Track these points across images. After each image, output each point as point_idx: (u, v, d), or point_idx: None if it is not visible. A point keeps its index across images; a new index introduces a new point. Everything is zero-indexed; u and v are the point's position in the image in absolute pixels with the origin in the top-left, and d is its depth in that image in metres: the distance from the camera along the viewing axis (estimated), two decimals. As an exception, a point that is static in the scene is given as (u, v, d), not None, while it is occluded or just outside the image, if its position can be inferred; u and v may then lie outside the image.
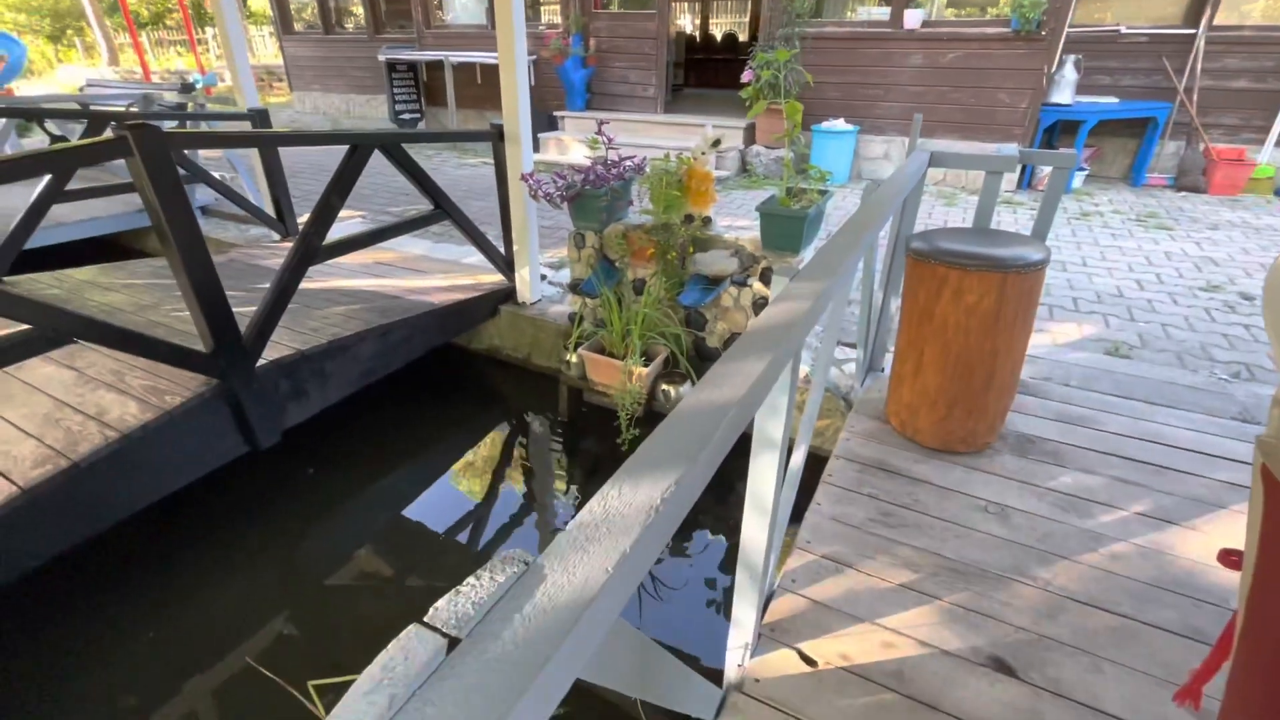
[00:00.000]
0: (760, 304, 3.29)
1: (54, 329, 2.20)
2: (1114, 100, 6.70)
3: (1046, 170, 6.85)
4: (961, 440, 2.49)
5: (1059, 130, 6.97)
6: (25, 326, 2.18)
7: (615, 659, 0.78)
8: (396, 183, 7.75)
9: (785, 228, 3.07)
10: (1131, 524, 2.14)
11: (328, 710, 2.11)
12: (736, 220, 5.52)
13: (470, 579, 0.51)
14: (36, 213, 3.86)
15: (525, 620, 0.47)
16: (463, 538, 3.14)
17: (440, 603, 0.50)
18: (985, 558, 2.01)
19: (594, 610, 0.49)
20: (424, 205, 3.79)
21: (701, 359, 3.55)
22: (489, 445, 3.83)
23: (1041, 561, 2.00)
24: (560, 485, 3.46)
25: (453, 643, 0.46)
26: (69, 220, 5.31)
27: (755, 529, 1.45)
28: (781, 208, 3.09)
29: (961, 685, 1.63)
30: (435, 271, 4.55)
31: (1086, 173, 7.10)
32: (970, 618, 1.81)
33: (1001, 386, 2.44)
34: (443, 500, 3.39)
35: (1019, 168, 6.08)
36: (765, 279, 3.23)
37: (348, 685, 1.52)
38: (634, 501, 0.58)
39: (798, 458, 2.02)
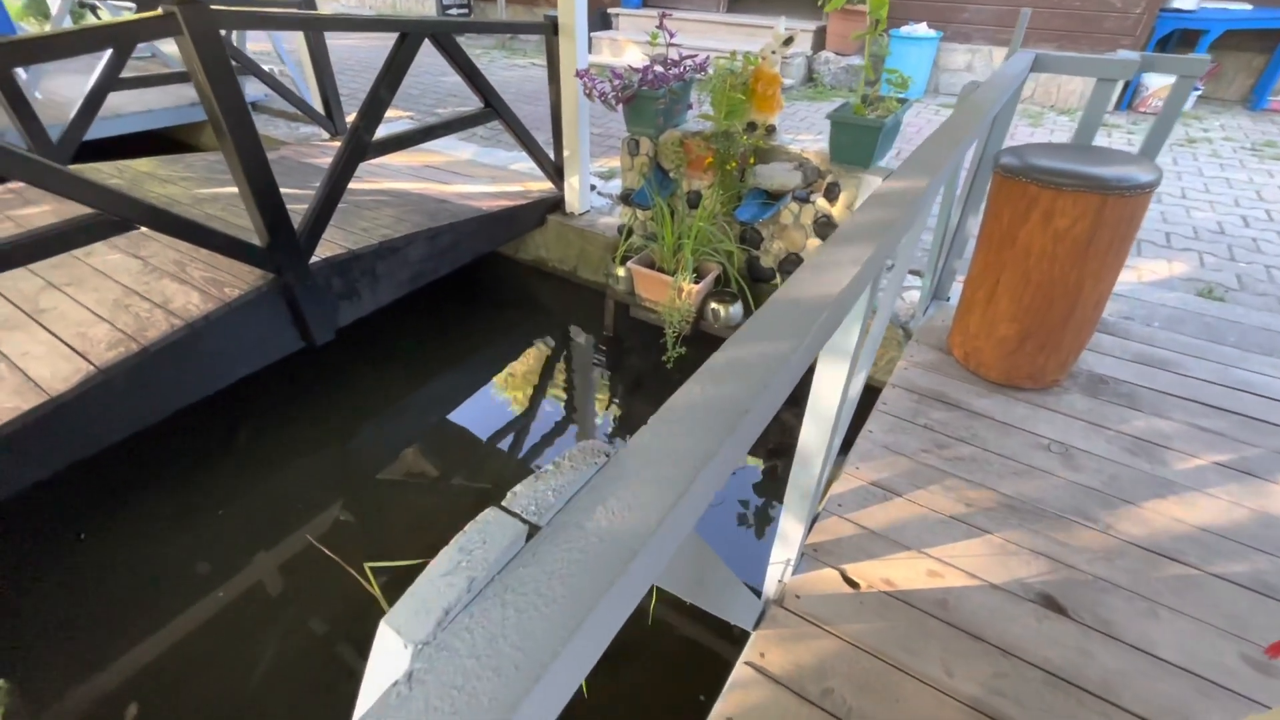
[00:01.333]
0: (822, 222, 3.11)
1: (118, 214, 2.22)
2: (1247, 7, 5.84)
3: (1151, 89, 6.13)
4: (1029, 376, 2.36)
5: (1175, 42, 6.17)
6: (91, 211, 2.21)
7: (682, 562, 0.76)
8: (444, 83, 7.50)
9: (858, 138, 2.83)
10: (1208, 473, 2.02)
11: (382, 590, 2.25)
12: (799, 134, 5.17)
13: (549, 466, 0.48)
14: (95, 99, 3.86)
15: (609, 514, 0.43)
16: (504, 445, 3.21)
17: (519, 487, 0.46)
18: (1044, 497, 1.94)
19: (677, 513, 0.45)
20: (472, 107, 3.64)
21: (754, 279, 3.42)
22: (533, 356, 3.85)
23: (1104, 504, 1.91)
24: (602, 400, 3.47)
25: (532, 530, 0.43)
26: (127, 111, 5.34)
27: (813, 443, 1.40)
28: (855, 116, 2.84)
29: (1008, 618, 1.60)
30: (483, 177, 4.44)
31: (1199, 93, 6.33)
32: (1022, 554, 1.77)
33: (1081, 321, 2.26)
34: (486, 407, 3.45)
35: (1126, 81, 5.44)
36: (831, 195, 3.02)
37: (402, 569, 1.59)
38: (722, 398, 0.52)
39: (856, 383, 1.94)
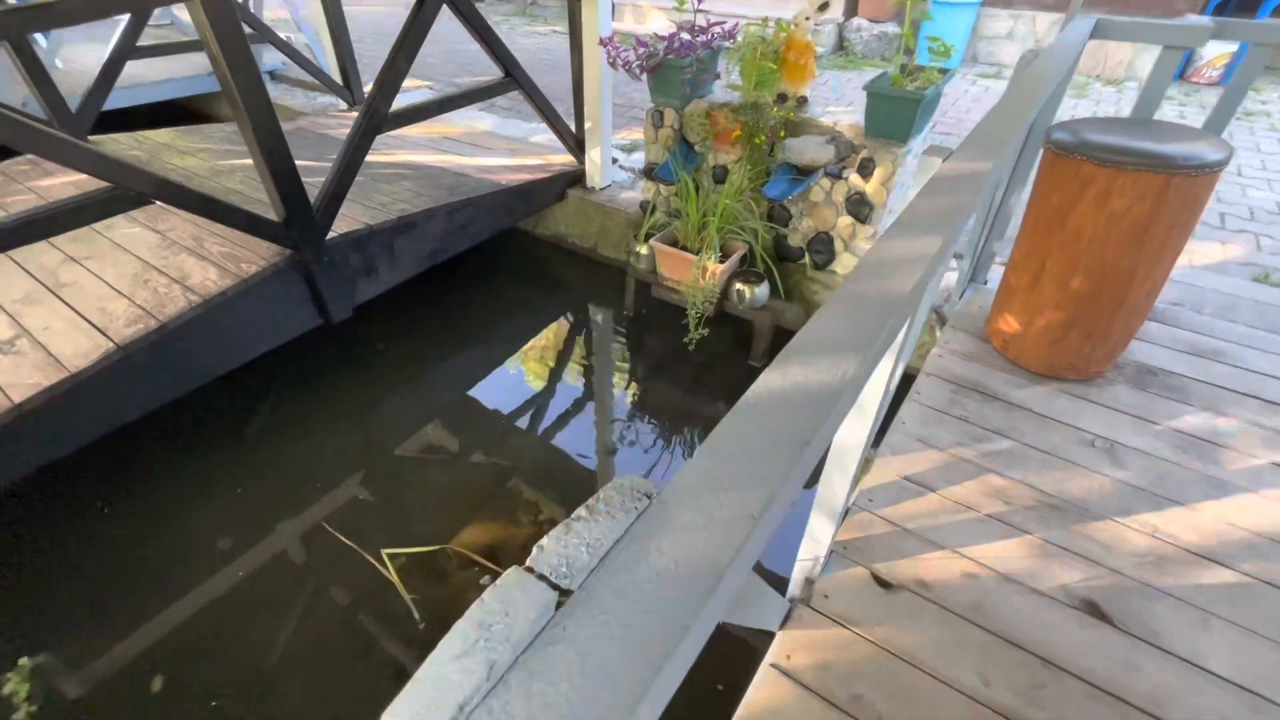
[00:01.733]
0: (855, 199, 2.97)
1: (135, 189, 2.18)
2: (1317, -33, 5.44)
3: (1206, 58, 5.78)
4: (1072, 366, 2.24)
5: (1234, 7, 5.79)
6: (109, 185, 2.17)
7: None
8: (464, 52, 7.33)
9: (896, 110, 2.67)
10: (1265, 475, 1.90)
11: (400, 574, 2.24)
12: (830, 106, 4.96)
13: (581, 511, 0.41)
14: (113, 68, 3.81)
15: (654, 573, 0.36)
16: (522, 423, 3.18)
17: (546, 541, 0.40)
18: (1087, 495, 1.84)
19: (734, 569, 0.38)
20: (492, 77, 3.52)
21: (780, 259, 3.30)
22: (552, 335, 3.79)
23: (1152, 505, 1.81)
24: (621, 380, 3.41)
25: (563, 594, 0.36)
26: (146, 81, 5.29)
27: (851, 439, 1.33)
28: (893, 87, 2.68)
29: (1048, 625, 1.53)
30: (502, 149, 4.33)
31: (1258, 62, 5.95)
32: (1064, 557, 1.68)
33: (1131, 310, 2.13)
34: (504, 385, 3.41)
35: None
36: (865, 171, 2.88)
37: (419, 556, 1.54)
38: (779, 428, 0.45)
39: (897, 373, 1.85)
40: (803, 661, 1.46)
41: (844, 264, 3.15)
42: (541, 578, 0.38)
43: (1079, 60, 2.29)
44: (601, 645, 0.33)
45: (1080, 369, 2.24)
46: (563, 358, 3.63)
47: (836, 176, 2.97)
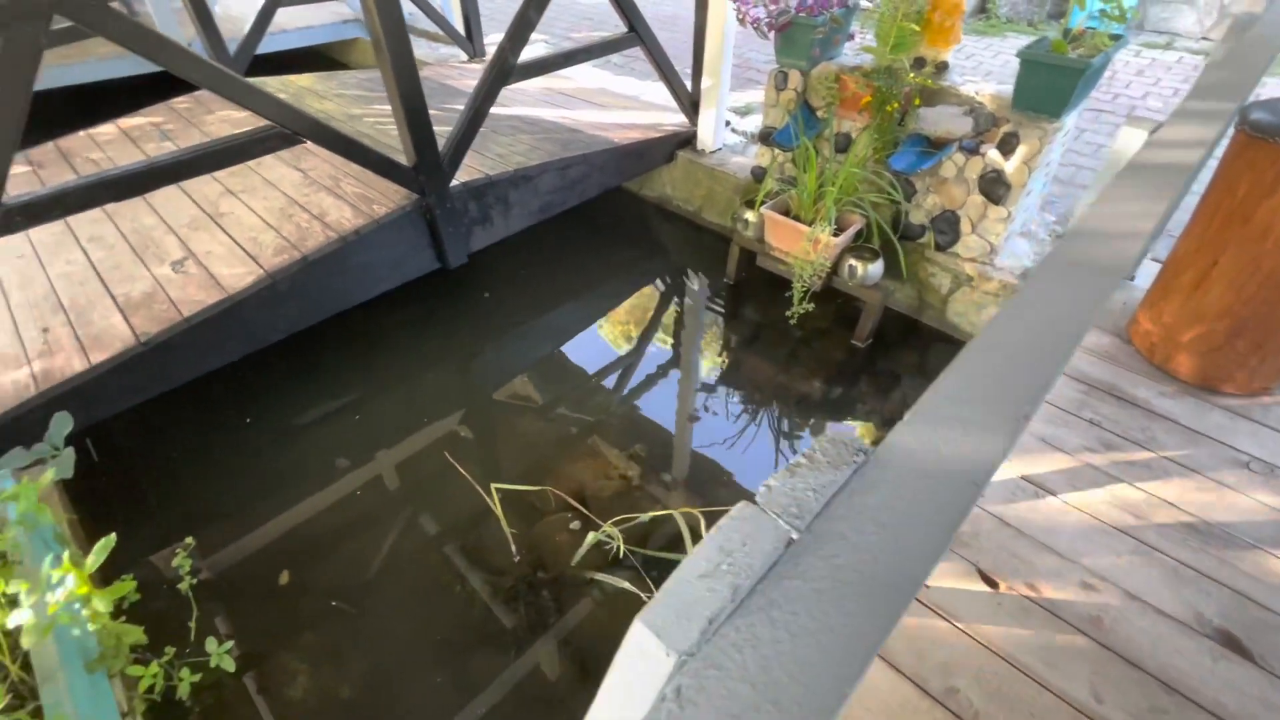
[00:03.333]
0: (991, 178, 2.75)
1: (292, 128, 2.35)
2: None
3: None
4: (1232, 378, 2.01)
5: None
6: (267, 123, 2.35)
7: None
8: (579, 6, 7.31)
9: (1054, 81, 2.43)
10: None
11: (503, 509, 2.38)
12: (966, 75, 4.59)
13: (801, 459, 0.42)
14: (266, 14, 4.09)
15: (879, 529, 0.37)
16: (609, 382, 3.24)
17: (773, 482, 0.41)
18: (1236, 521, 1.67)
19: (949, 525, 0.38)
20: (602, 35, 3.49)
21: (899, 236, 3.13)
22: (648, 297, 3.81)
23: (1315, 541, 1.63)
24: (713, 349, 3.39)
25: (793, 535, 0.38)
26: (290, 28, 5.64)
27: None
28: (1054, 54, 2.43)
29: (1176, 651, 1.42)
30: (614, 106, 4.32)
31: None
32: (1201, 583, 1.55)
33: (1317, 322, 1.88)
34: (596, 343, 3.48)
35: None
36: (1007, 147, 2.66)
37: (516, 493, 1.63)
38: (1000, 388, 0.43)
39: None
40: (897, 645, 1.44)
41: (968, 246, 2.95)
42: (774, 515, 0.39)
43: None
44: (836, 588, 0.34)
45: (1242, 383, 2.01)
46: (656, 321, 3.65)
47: (972, 151, 2.76)
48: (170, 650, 1.87)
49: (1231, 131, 1.83)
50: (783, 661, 0.31)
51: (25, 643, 1.40)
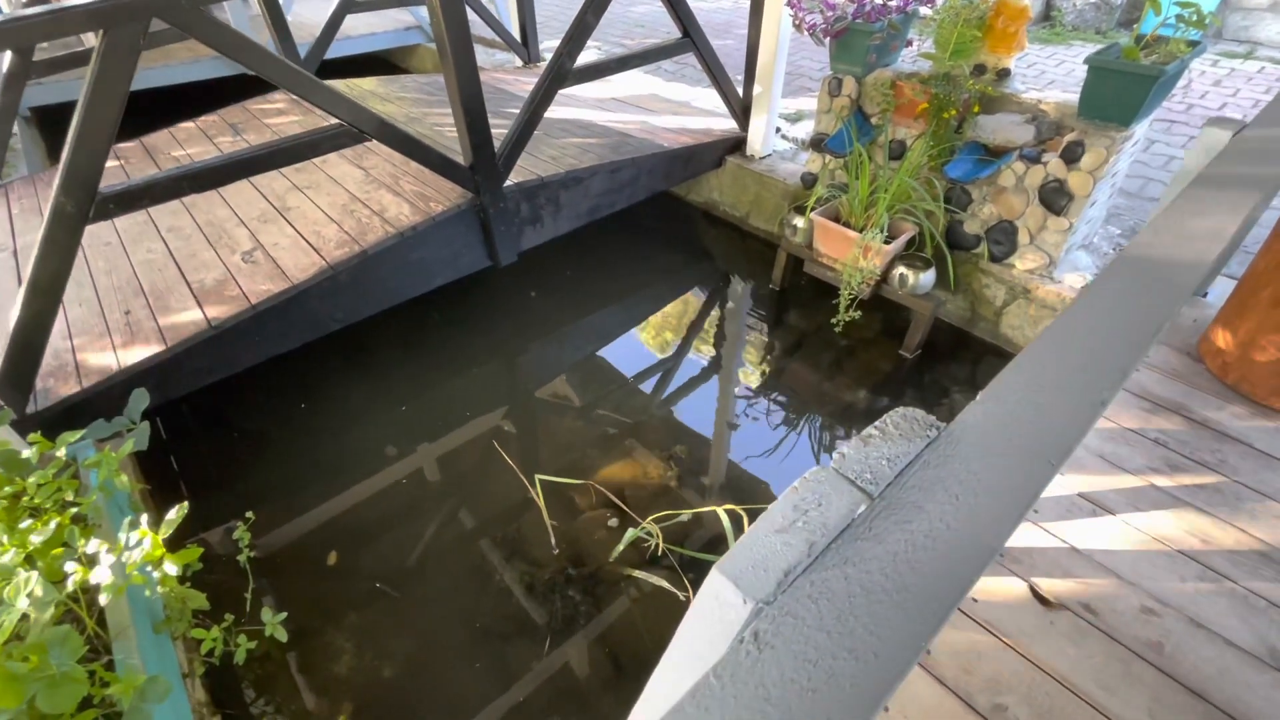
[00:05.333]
0: (1052, 188, 2.67)
1: (360, 127, 2.46)
2: None
3: None
4: (1313, 403, 1.90)
5: None
6: (335, 122, 2.47)
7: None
8: (633, 13, 7.41)
9: (1125, 89, 2.35)
10: None
11: (545, 504, 2.42)
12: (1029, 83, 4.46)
13: (873, 429, 0.43)
14: (336, 20, 4.28)
15: (953, 500, 0.37)
16: (649, 385, 3.25)
17: (848, 449, 0.42)
18: (1315, 552, 1.58)
19: (1023, 497, 0.38)
20: (654, 41, 3.53)
21: (951, 246, 3.06)
22: (692, 301, 3.82)
23: (1406, 578, 1.52)
24: (756, 355, 3.37)
25: (869, 500, 0.38)
26: (355, 34, 5.89)
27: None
28: (1126, 61, 2.35)
29: (1242, 683, 1.35)
30: (665, 111, 4.36)
31: None
32: (1273, 613, 1.46)
33: None
34: (639, 345, 3.50)
35: None
36: (1071, 157, 2.57)
37: (558, 486, 1.66)
38: (1069, 386, 0.43)
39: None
40: (942, 658, 1.41)
41: (1025, 258, 2.87)
42: (849, 480, 0.40)
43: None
44: (911, 551, 0.35)
45: (1324, 407, 1.89)
46: (699, 326, 3.65)
47: (1033, 160, 2.69)
48: (229, 618, 1.97)
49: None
50: (858, 615, 0.32)
51: (103, 598, 1.49)
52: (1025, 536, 1.64)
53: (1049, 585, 1.53)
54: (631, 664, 2.05)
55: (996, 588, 1.54)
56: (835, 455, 0.42)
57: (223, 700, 1.89)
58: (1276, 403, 1.94)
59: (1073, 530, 1.65)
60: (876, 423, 0.44)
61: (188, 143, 3.87)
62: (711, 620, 0.34)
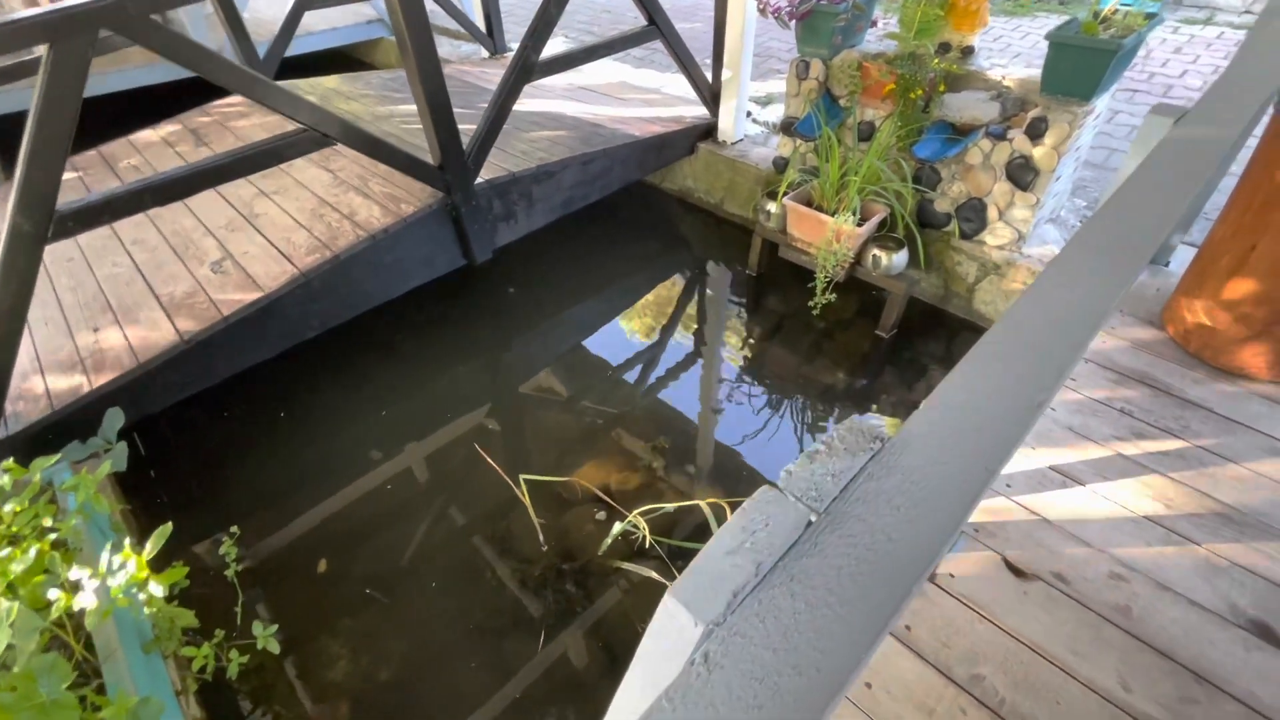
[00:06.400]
0: (1018, 164, 2.71)
1: (325, 131, 2.42)
2: None
3: None
4: (1270, 365, 1.97)
5: None
6: (299, 126, 2.42)
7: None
8: (594, 3, 7.31)
9: (1084, 63, 2.38)
10: None
11: (531, 500, 2.43)
12: (994, 58, 4.48)
13: (820, 446, 0.44)
14: (294, 17, 4.18)
15: (894, 510, 0.39)
16: (633, 374, 3.27)
17: (794, 468, 0.44)
18: (1273, 511, 1.64)
19: (961, 506, 0.40)
20: (621, 29, 3.50)
21: (922, 224, 3.09)
22: (670, 290, 3.83)
23: (1357, 531, 1.59)
24: (736, 341, 3.40)
25: (813, 517, 0.40)
26: (316, 30, 5.75)
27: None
28: (1084, 35, 2.38)
29: (1207, 641, 1.41)
30: (635, 100, 4.33)
31: None
32: (1235, 572, 1.53)
33: (1362, 306, 1.83)
34: (619, 336, 3.51)
35: None
36: (1035, 132, 2.61)
37: (543, 483, 1.68)
38: (1010, 381, 0.45)
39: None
40: (922, 634, 1.45)
41: (995, 234, 2.91)
42: (794, 498, 0.42)
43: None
44: (853, 564, 0.37)
45: (1280, 370, 1.96)
46: (678, 314, 3.67)
47: (999, 137, 2.72)
48: (220, 633, 1.96)
49: (1271, 112, 1.78)
50: (802, 630, 0.34)
51: (89, 624, 1.49)
52: (998, 511, 1.69)
53: (1022, 557, 1.59)
54: (626, 654, 2.08)
55: (974, 562, 1.58)
56: (782, 473, 0.44)
57: (219, 715, 1.89)
58: (1236, 368, 2.01)
59: (1043, 502, 1.70)
60: (823, 437, 0.46)
61: (148, 150, 3.77)
62: (667, 642, 0.36)
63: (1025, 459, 1.82)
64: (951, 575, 1.56)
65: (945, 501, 0.39)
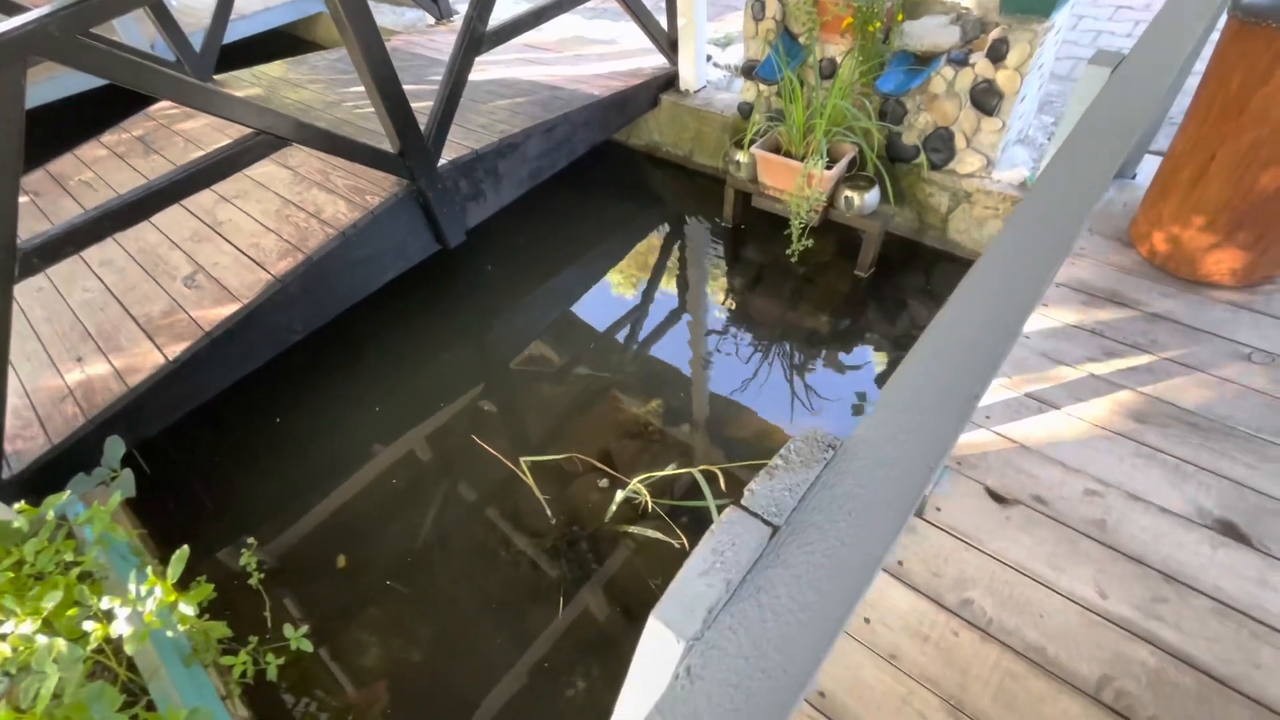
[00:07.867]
0: (982, 88, 2.68)
1: (273, 133, 2.36)
2: None
3: None
4: (1233, 272, 2.03)
5: None
6: (251, 130, 2.36)
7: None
8: (540, -55, 6.94)
9: (1040, -20, 2.34)
10: None
11: (534, 478, 2.51)
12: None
13: (778, 459, 0.49)
14: (225, 3, 3.98)
15: (846, 515, 0.44)
16: (622, 336, 3.30)
17: (755, 485, 0.48)
18: (1235, 414, 1.73)
19: (907, 502, 0.45)
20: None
21: (892, 159, 3.08)
22: (648, 249, 3.82)
23: (1314, 424, 1.68)
24: (719, 293, 3.43)
25: (775, 530, 0.45)
26: (250, 12, 5.47)
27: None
28: (1040, -50, 2.33)
29: (1176, 543, 1.51)
30: (591, 56, 4.20)
31: None
32: (1201, 476, 1.62)
33: (1319, 205, 1.87)
34: (603, 300, 3.52)
35: None
36: (997, 54, 2.58)
37: (552, 464, 1.74)
38: (949, 381, 0.49)
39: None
40: (913, 567, 1.55)
41: (964, 163, 2.91)
42: (756, 515, 0.46)
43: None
44: (810, 569, 0.42)
45: (1243, 275, 2.02)
46: (660, 272, 3.67)
47: (961, 63, 2.68)
48: (254, 639, 2.06)
49: (1224, 20, 1.77)
50: (769, 637, 0.39)
51: (128, 649, 1.56)
52: (979, 443, 1.77)
53: (1002, 484, 1.67)
54: (643, 611, 2.20)
55: (958, 494, 1.67)
56: (745, 492, 0.49)
57: (266, 713, 2.00)
58: (1201, 277, 2.06)
59: (1021, 429, 1.78)
60: (780, 452, 0.50)
61: (97, 165, 3.66)
62: (653, 659, 0.41)
63: (1003, 390, 1.89)
64: (938, 509, 1.65)
65: (889, 502, 0.44)
